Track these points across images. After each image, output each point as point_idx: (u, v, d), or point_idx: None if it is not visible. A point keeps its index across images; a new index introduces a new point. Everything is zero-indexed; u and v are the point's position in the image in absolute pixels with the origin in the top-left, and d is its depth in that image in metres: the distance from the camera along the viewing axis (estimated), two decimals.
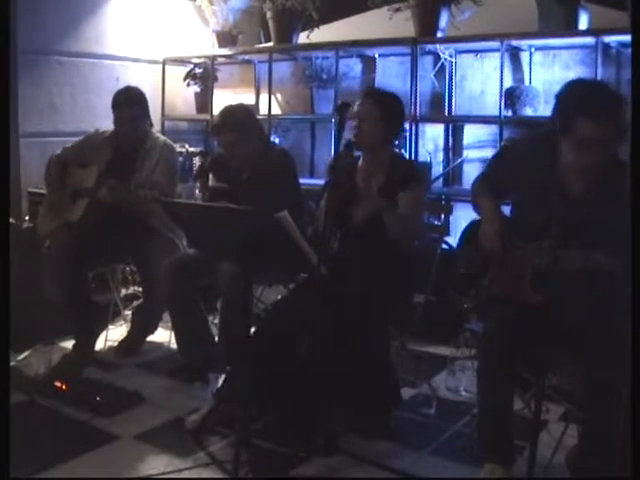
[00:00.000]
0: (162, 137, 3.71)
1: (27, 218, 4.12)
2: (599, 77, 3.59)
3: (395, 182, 2.79)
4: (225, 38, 5.01)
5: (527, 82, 4.14)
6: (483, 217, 2.49)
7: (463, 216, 3.86)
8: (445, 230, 3.65)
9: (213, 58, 4.99)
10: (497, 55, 3.96)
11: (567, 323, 2.22)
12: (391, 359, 2.83)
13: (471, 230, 2.54)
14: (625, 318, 1.69)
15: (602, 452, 2.17)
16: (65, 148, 3.68)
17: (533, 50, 4.11)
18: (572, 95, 2.26)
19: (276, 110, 5.01)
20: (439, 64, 4.37)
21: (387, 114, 2.81)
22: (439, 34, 4.12)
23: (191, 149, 4.81)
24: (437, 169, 4.46)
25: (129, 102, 3.49)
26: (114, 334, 3.82)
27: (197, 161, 4.54)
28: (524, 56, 4.17)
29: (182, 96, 5.25)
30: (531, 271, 2.26)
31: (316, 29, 4.65)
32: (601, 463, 2.17)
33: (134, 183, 3.40)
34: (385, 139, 2.85)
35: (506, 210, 2.58)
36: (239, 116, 3.24)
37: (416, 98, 4.12)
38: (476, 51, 4.33)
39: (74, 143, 3.71)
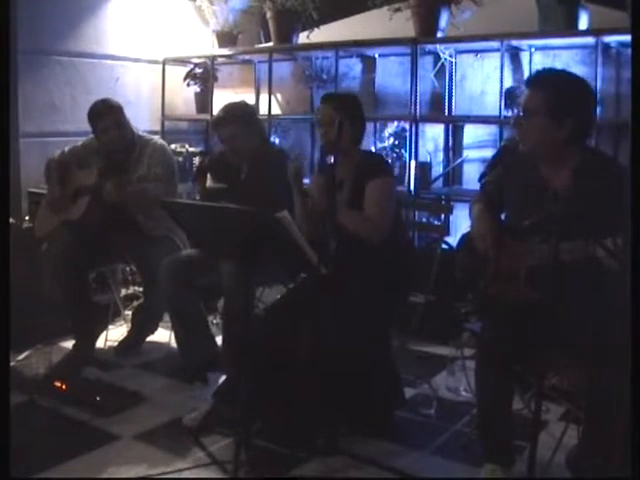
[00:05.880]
0: (153, 140, 3.68)
1: (27, 218, 4.12)
2: (599, 77, 3.60)
3: (362, 176, 2.82)
4: (225, 38, 5.01)
5: None
6: (475, 219, 2.51)
7: (463, 216, 3.86)
8: (445, 230, 3.65)
9: (213, 58, 4.99)
10: (497, 55, 3.97)
11: (565, 321, 2.21)
12: (392, 359, 2.84)
13: (470, 235, 2.55)
14: (623, 314, 1.69)
15: (602, 452, 2.17)
16: (64, 151, 3.68)
17: (533, 50, 4.11)
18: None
19: (276, 110, 5.01)
20: (439, 64, 4.37)
21: (350, 116, 2.82)
22: (439, 34, 4.11)
23: (191, 149, 4.82)
24: (437, 169, 4.46)
25: (109, 111, 3.49)
26: (114, 334, 3.82)
27: (197, 161, 4.54)
28: (524, 56, 4.17)
29: (182, 96, 5.25)
30: (525, 269, 2.27)
31: (316, 29, 4.65)
32: (601, 463, 2.18)
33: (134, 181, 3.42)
34: (352, 140, 2.88)
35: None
36: (241, 110, 3.29)
37: (416, 98, 4.11)
38: (476, 51, 4.33)
39: (72, 147, 3.71)
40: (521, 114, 2.34)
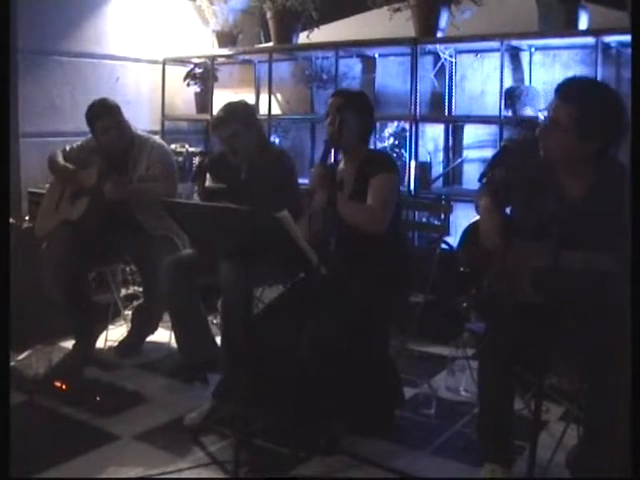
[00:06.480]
0: (152, 139, 3.68)
1: (27, 218, 4.12)
2: (599, 77, 3.59)
3: (366, 172, 2.80)
4: (225, 38, 5.01)
5: (527, 82, 4.14)
6: (482, 214, 2.49)
7: (463, 216, 3.87)
8: (445, 230, 3.65)
9: (213, 58, 4.99)
10: (497, 55, 3.96)
11: (567, 323, 2.21)
12: (391, 359, 2.83)
13: (472, 229, 2.54)
14: (625, 318, 1.69)
15: (602, 452, 2.17)
16: (65, 149, 3.68)
17: (533, 50, 4.11)
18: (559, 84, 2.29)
19: (276, 110, 5.01)
20: (439, 64, 4.37)
21: (359, 112, 2.82)
22: (439, 34, 4.12)
23: (191, 149, 4.82)
24: (437, 169, 4.46)
25: (106, 112, 3.50)
26: (114, 334, 3.82)
27: (197, 161, 4.54)
28: (524, 56, 4.17)
29: (182, 96, 5.25)
30: (531, 271, 2.26)
31: (316, 29, 4.65)
32: (601, 463, 2.17)
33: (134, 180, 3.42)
34: (357, 136, 2.86)
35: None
36: (241, 110, 3.28)
37: (416, 98, 4.11)
38: (476, 51, 4.33)
39: (74, 146, 3.71)
40: (547, 123, 2.26)
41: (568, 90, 2.24)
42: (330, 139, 2.78)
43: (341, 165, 2.95)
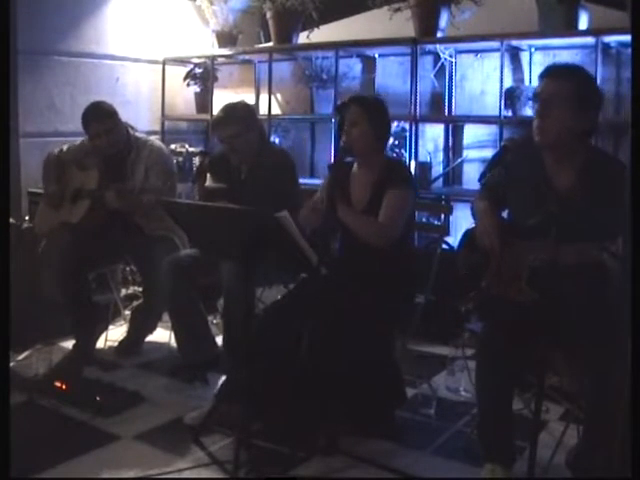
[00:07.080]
0: (150, 141, 3.67)
1: (27, 218, 4.11)
2: (599, 77, 3.59)
3: (383, 183, 2.77)
4: (225, 38, 5.01)
5: (527, 82, 4.14)
6: (479, 215, 2.50)
7: (463, 216, 3.87)
8: (445, 230, 3.65)
9: (213, 58, 5.00)
10: (497, 55, 3.96)
11: (566, 322, 2.21)
12: (394, 359, 2.83)
13: (472, 232, 2.55)
14: (623, 315, 1.69)
15: (602, 452, 2.17)
16: (62, 149, 3.67)
17: (533, 50, 4.11)
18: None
19: (276, 110, 5.01)
20: (439, 64, 4.37)
21: (374, 118, 2.79)
22: (439, 34, 4.12)
23: (191, 149, 4.83)
24: (437, 169, 4.46)
25: (97, 117, 3.48)
26: (114, 334, 3.82)
27: (197, 161, 4.54)
28: (524, 56, 4.17)
29: (182, 96, 5.26)
30: (528, 270, 2.27)
31: (316, 29, 4.65)
32: (601, 463, 2.18)
33: (136, 190, 3.41)
34: (375, 143, 2.83)
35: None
36: (241, 110, 3.28)
37: (416, 98, 4.11)
38: (476, 51, 4.33)
39: (72, 145, 3.70)
40: (542, 106, 2.31)
41: (553, 70, 2.36)
42: (343, 149, 2.77)
43: (354, 169, 2.92)
